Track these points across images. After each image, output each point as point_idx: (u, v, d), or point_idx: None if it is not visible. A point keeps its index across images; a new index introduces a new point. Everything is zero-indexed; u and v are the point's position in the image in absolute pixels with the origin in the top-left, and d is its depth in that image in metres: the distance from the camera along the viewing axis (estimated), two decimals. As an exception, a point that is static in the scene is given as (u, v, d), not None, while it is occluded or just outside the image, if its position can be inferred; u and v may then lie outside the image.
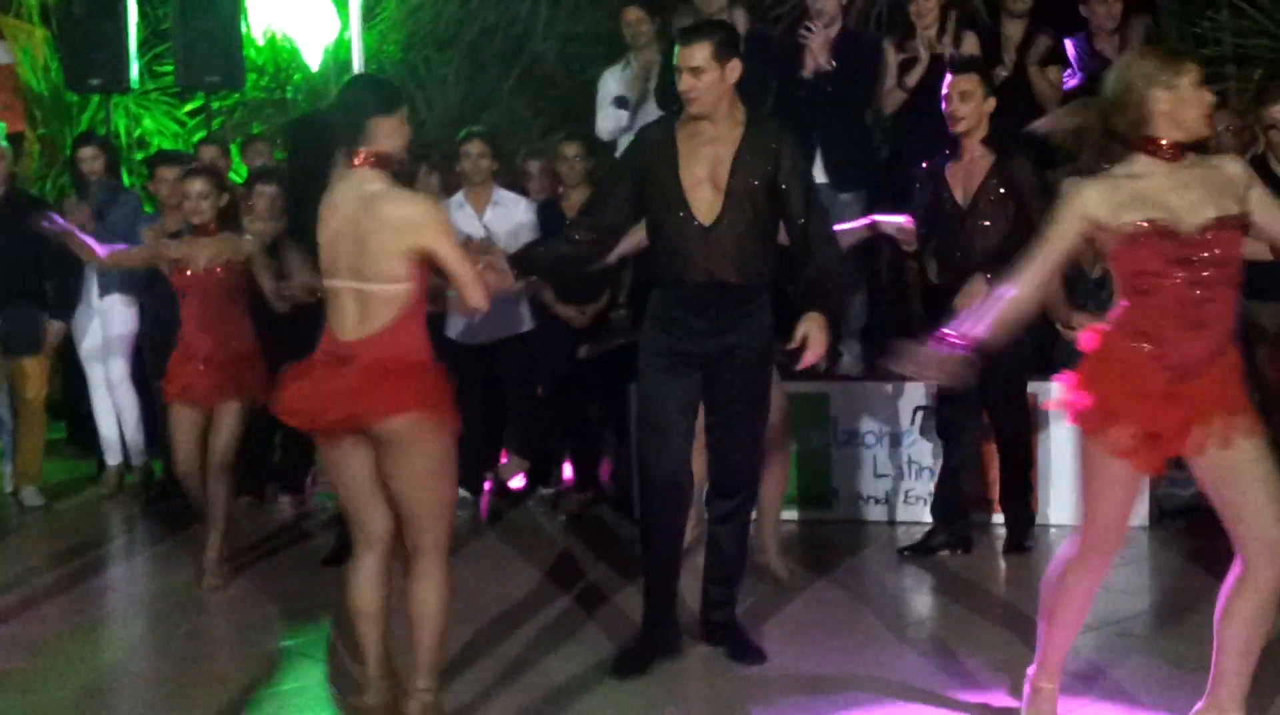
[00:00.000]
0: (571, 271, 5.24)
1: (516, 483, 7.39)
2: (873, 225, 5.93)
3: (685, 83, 4.52)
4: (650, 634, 4.84)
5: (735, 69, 4.54)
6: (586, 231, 4.75)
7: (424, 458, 3.86)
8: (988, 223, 5.85)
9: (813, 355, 4.58)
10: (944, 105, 5.85)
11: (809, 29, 6.90)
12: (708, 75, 4.49)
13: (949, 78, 5.91)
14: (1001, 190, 5.83)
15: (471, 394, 6.62)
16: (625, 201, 4.71)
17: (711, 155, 4.58)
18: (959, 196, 5.91)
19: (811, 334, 4.56)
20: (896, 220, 5.90)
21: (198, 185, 6.03)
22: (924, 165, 6.05)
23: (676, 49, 4.57)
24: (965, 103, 5.80)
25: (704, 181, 4.58)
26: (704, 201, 4.57)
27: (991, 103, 5.84)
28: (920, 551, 6.10)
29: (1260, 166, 6.59)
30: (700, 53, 4.50)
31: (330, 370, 3.87)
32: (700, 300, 4.62)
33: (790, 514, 6.76)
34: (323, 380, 3.87)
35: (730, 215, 4.56)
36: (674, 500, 4.75)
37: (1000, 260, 4.99)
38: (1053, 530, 6.47)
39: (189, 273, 6.02)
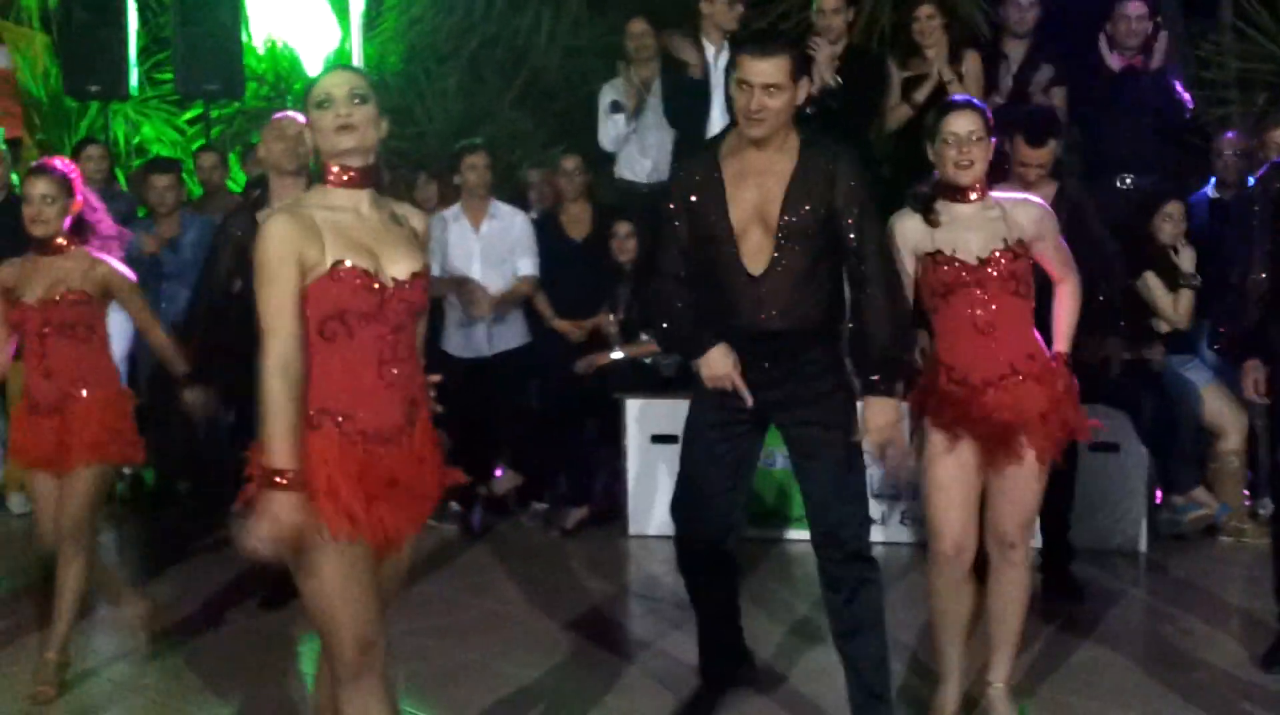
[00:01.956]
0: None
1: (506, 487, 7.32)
2: None
3: (756, 101, 3.91)
4: (710, 682, 4.60)
5: (804, 90, 4.03)
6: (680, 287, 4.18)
7: None
8: None
9: (892, 460, 4.11)
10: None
11: (814, 45, 6.87)
12: (784, 94, 3.94)
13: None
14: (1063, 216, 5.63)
15: (466, 408, 6.57)
16: (681, 250, 4.16)
17: (760, 189, 4.02)
18: None
19: (876, 425, 4.04)
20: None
21: (40, 186, 4.70)
22: None
23: (744, 60, 3.96)
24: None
25: (752, 221, 4.02)
26: (753, 246, 4.02)
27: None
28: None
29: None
30: (779, 68, 3.93)
31: None
32: (752, 351, 4.09)
33: (786, 533, 6.73)
34: None
35: (783, 261, 4.01)
36: (715, 559, 4.37)
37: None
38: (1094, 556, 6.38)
39: (25, 302, 4.75)
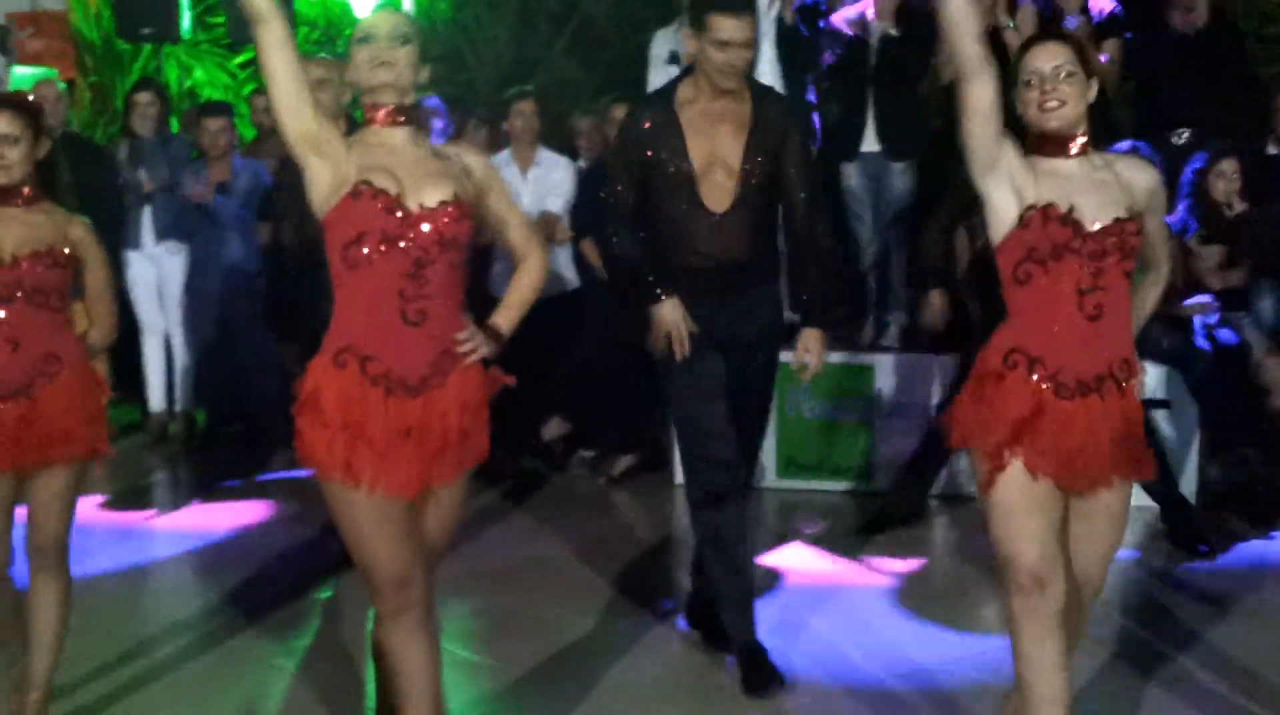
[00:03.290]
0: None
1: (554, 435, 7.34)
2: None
3: (738, 56, 4.21)
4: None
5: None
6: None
7: None
8: None
9: (812, 372, 4.52)
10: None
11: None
12: (751, 48, 4.30)
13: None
14: None
15: (512, 353, 6.57)
16: (636, 193, 4.40)
17: (722, 134, 4.30)
18: None
19: (811, 350, 4.48)
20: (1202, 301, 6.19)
21: (1, 125, 3.86)
22: None
23: (719, 21, 4.17)
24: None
25: (714, 164, 4.30)
26: (714, 186, 4.31)
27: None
28: None
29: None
30: (751, 25, 4.26)
31: None
32: (715, 284, 4.37)
33: (832, 485, 6.74)
34: None
35: (745, 201, 4.32)
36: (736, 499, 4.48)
37: None
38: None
39: None
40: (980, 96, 3.22)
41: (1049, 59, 3.34)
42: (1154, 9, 7.01)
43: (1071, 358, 3.28)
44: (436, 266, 3.21)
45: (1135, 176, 3.39)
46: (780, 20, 6.92)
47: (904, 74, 6.89)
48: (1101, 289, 3.28)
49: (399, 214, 3.17)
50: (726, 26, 4.18)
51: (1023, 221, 3.28)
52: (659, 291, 4.33)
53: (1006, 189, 3.31)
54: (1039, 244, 3.27)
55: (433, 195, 3.21)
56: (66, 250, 3.92)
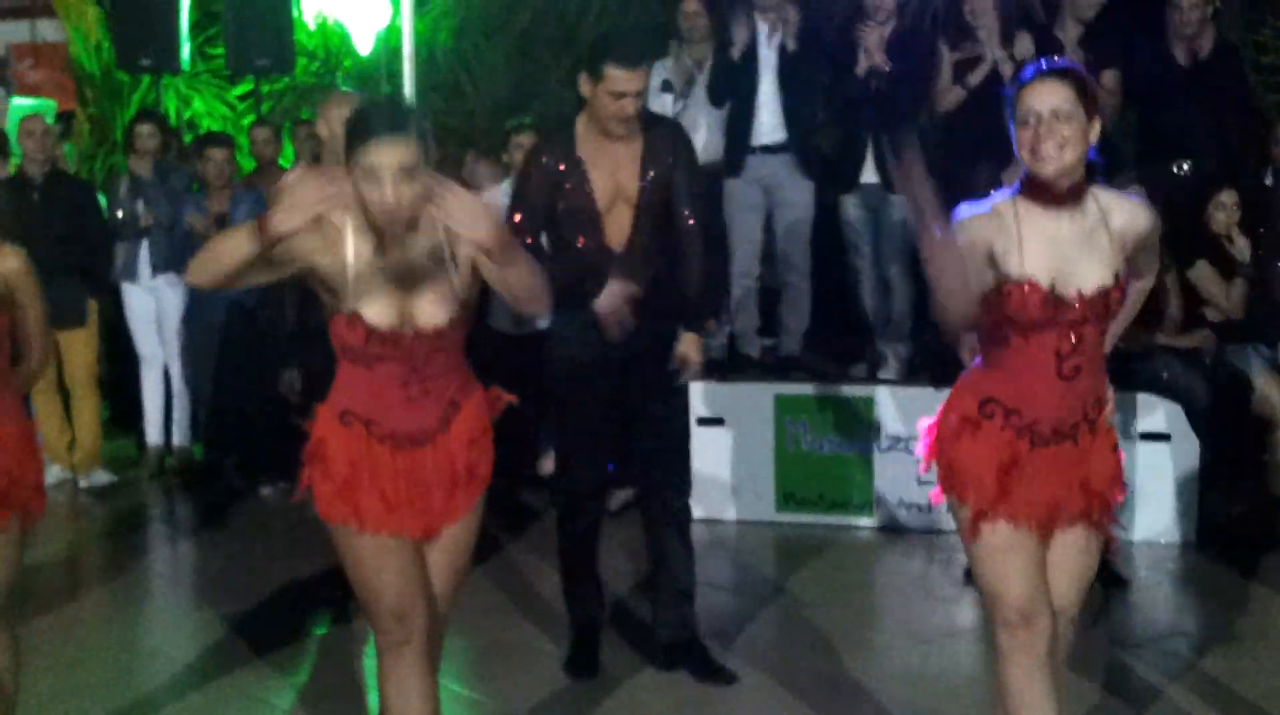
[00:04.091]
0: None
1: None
2: None
3: (631, 104, 4.35)
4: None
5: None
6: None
7: None
8: None
9: (690, 373, 4.71)
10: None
11: (864, 27, 6.81)
12: (642, 97, 4.45)
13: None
14: None
15: (509, 386, 6.54)
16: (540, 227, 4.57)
17: (617, 169, 4.47)
18: None
19: (690, 355, 4.64)
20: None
21: None
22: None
23: (614, 73, 4.29)
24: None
25: (615, 198, 4.48)
26: (615, 221, 4.49)
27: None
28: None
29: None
30: (645, 77, 4.42)
31: None
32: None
33: (830, 519, 6.71)
34: None
35: (641, 232, 4.51)
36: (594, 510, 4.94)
37: None
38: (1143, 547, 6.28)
39: None
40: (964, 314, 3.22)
41: (1048, 99, 3.15)
42: (1156, 38, 6.99)
43: (1047, 411, 3.25)
44: (435, 358, 3.24)
45: (1130, 224, 3.26)
46: (782, 48, 6.91)
47: (898, 106, 6.87)
48: (1080, 352, 3.22)
49: (393, 341, 3.18)
50: (621, 79, 4.31)
51: (1002, 292, 3.19)
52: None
53: (985, 265, 3.20)
54: (1019, 316, 3.19)
55: (431, 317, 3.21)
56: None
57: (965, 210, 3.24)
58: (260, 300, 7.40)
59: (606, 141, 4.45)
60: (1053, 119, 3.13)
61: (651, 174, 4.48)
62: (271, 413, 7.20)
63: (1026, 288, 3.16)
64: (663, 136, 4.53)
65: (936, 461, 3.39)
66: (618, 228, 4.49)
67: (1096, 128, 3.20)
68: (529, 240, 4.43)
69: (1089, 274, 3.19)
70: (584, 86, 4.39)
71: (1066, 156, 3.15)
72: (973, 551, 3.34)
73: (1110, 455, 3.37)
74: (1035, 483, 3.28)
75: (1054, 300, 3.17)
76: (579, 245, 4.50)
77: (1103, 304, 3.20)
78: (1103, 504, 3.36)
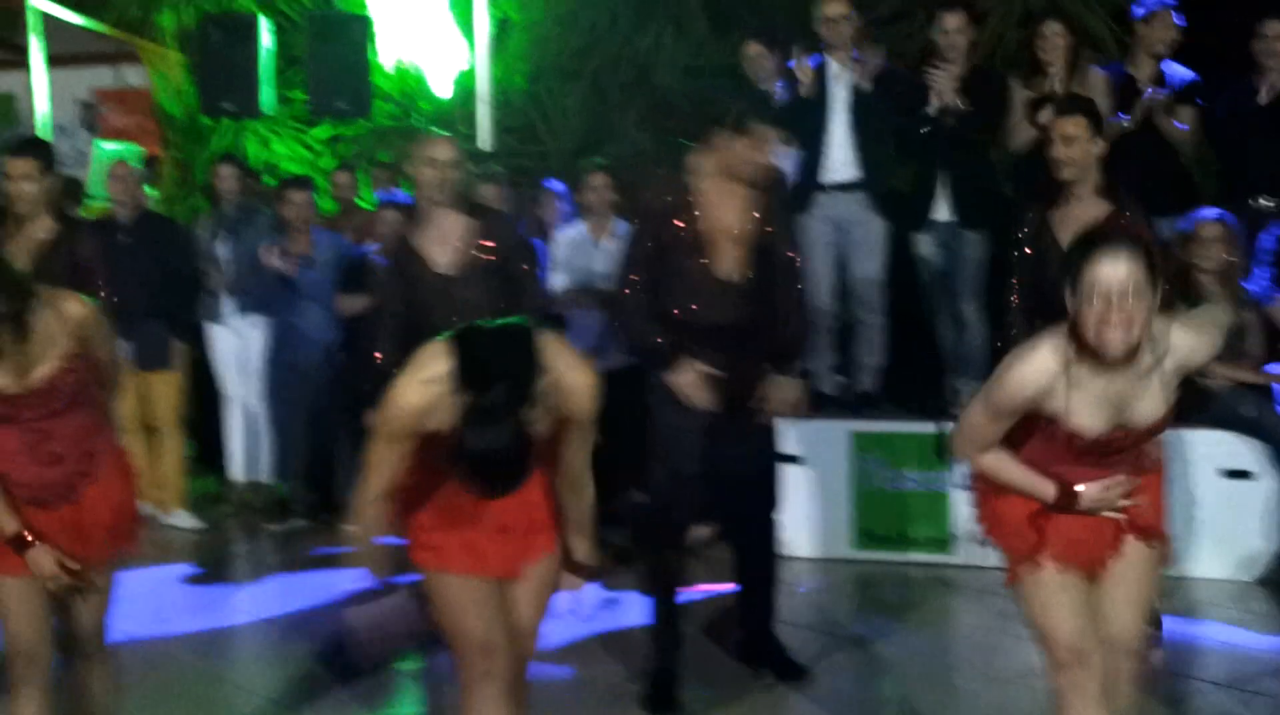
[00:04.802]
0: None
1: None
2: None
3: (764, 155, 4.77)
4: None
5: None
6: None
7: None
8: None
9: (781, 413, 4.98)
10: (1049, 150, 5.33)
11: (936, 67, 6.84)
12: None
13: (1054, 120, 5.37)
14: None
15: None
16: (649, 268, 4.86)
17: (728, 207, 4.75)
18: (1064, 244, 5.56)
19: (784, 400, 4.94)
20: None
21: None
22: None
23: (764, 129, 4.72)
24: (1070, 147, 5.17)
25: (723, 236, 4.73)
26: (724, 256, 4.75)
27: (1100, 146, 5.26)
28: None
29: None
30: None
31: None
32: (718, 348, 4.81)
33: (908, 556, 6.69)
34: None
35: (751, 267, 4.80)
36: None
37: None
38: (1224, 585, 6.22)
39: None
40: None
41: (1117, 273, 3.02)
42: (1236, 74, 6.95)
43: (1082, 478, 3.36)
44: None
45: (1188, 358, 3.23)
46: (855, 87, 6.95)
47: (971, 144, 6.88)
48: (1118, 461, 3.33)
49: None
50: (764, 134, 4.69)
51: (1043, 425, 3.28)
52: (673, 356, 4.73)
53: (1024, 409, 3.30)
54: (1057, 452, 3.31)
55: None
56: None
57: (1014, 367, 3.21)
58: (345, 341, 7.51)
59: (723, 182, 4.72)
60: (1122, 298, 3.04)
61: (757, 214, 4.74)
62: (353, 449, 7.31)
63: (1071, 436, 3.25)
64: (765, 183, 4.79)
65: (980, 511, 3.53)
66: (727, 261, 4.72)
67: (1161, 291, 3.11)
68: (639, 299, 4.75)
69: (1138, 414, 3.23)
70: (718, 138, 4.68)
71: (1134, 334, 3.07)
72: (1020, 594, 3.44)
73: (1153, 490, 3.45)
74: (1075, 525, 3.39)
75: (1099, 442, 3.26)
76: (688, 310, 4.73)
77: (1149, 431, 3.29)
78: (1149, 532, 3.44)
